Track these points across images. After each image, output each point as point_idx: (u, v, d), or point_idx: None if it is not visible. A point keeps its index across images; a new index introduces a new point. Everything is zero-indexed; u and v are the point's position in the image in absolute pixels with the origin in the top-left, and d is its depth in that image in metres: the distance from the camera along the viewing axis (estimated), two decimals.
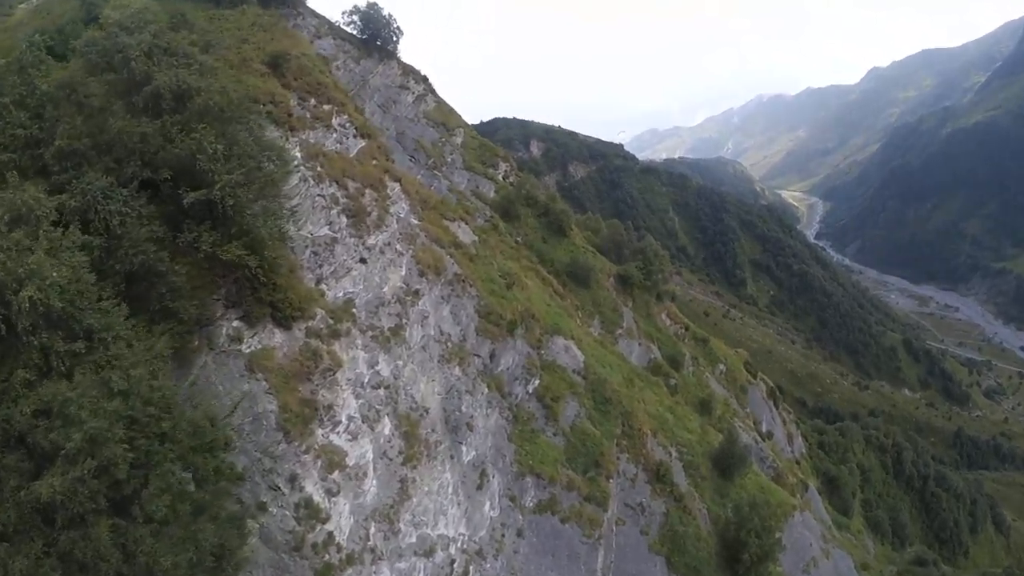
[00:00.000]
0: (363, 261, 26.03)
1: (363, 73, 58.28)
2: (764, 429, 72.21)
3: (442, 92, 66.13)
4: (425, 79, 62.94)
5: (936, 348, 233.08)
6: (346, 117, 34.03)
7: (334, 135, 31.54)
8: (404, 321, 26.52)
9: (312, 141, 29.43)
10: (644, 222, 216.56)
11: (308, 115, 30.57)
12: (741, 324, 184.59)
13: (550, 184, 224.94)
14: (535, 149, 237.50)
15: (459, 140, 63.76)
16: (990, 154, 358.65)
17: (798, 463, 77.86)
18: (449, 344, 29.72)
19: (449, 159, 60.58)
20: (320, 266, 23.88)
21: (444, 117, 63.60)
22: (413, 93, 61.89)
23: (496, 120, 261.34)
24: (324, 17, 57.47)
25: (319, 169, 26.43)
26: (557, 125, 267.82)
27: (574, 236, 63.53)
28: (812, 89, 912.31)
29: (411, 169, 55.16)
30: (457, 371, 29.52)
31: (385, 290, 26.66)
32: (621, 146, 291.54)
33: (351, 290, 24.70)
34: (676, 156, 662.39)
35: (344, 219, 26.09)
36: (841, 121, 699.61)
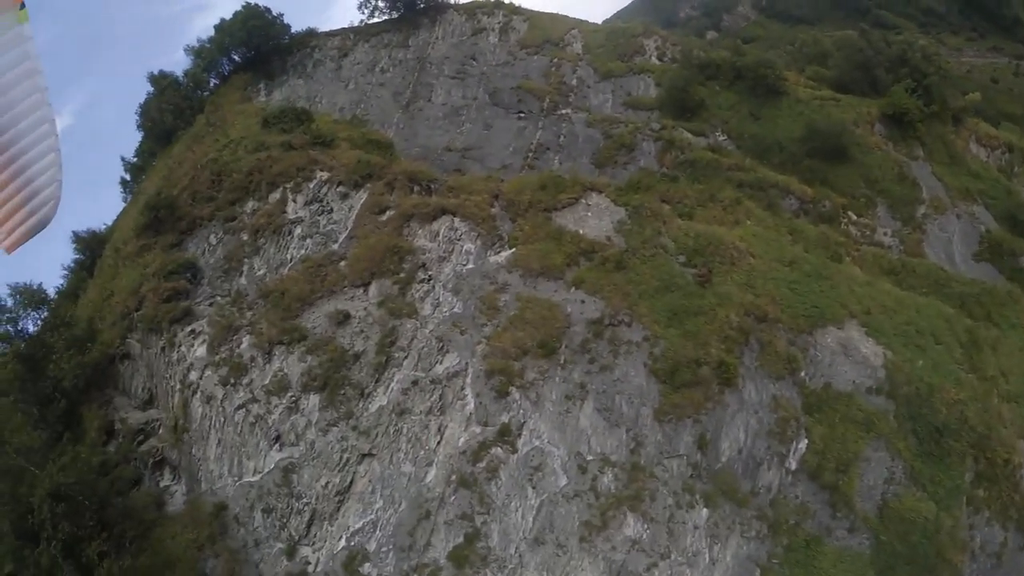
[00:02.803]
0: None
1: (419, 52, 45.28)
2: None
3: None
4: (499, 2, 47.09)
5: None
6: None
7: None
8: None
9: None
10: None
11: None
12: None
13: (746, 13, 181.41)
14: None
15: (578, 47, 46.53)
16: None
17: None
18: (605, 479, 15.40)
19: (574, 80, 43.99)
20: None
21: (546, 32, 47.02)
22: (492, 30, 46.70)
23: None
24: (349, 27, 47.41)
25: None
26: None
27: (794, 88, 41.85)
28: None
29: (523, 129, 40.15)
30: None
31: (429, 479, 13.53)
32: None
33: None
34: None
35: None
36: None
